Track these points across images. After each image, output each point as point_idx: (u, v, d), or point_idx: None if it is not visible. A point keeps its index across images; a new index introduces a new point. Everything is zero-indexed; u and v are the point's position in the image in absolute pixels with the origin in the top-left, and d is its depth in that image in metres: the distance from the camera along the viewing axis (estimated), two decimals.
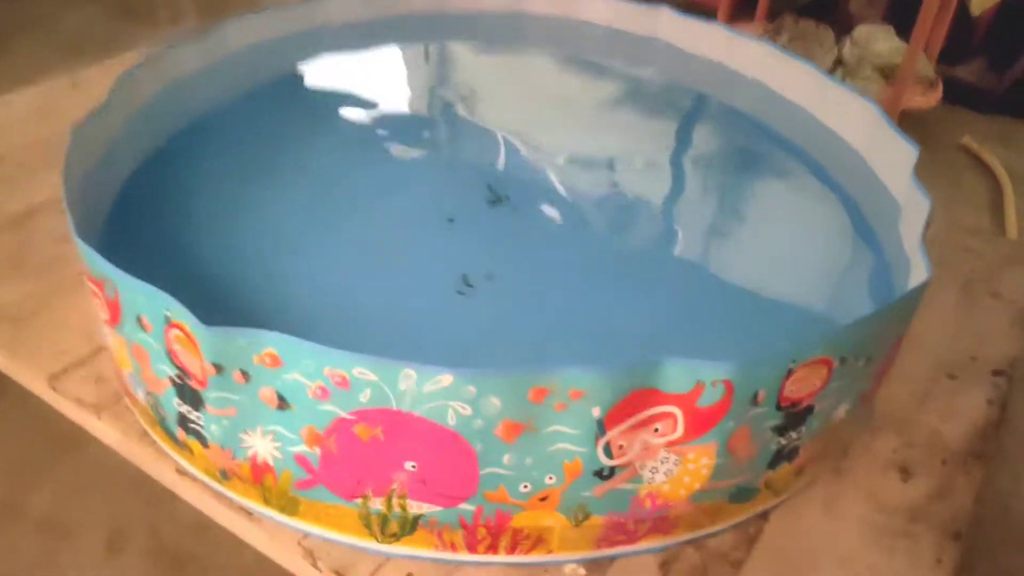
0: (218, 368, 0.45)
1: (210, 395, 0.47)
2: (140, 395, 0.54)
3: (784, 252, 0.67)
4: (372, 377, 0.42)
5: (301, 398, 0.44)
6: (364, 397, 0.43)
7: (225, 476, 0.51)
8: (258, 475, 0.49)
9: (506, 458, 0.45)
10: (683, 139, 0.81)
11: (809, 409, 0.48)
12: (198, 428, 0.50)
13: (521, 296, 0.60)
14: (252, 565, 0.88)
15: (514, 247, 0.65)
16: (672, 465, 0.47)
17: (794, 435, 0.49)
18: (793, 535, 0.53)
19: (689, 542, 0.52)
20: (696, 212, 0.72)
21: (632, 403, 0.43)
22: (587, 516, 0.49)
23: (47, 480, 0.95)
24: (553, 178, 0.73)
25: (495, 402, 0.42)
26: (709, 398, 0.43)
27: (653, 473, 0.47)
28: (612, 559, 0.52)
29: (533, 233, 0.66)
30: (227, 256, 0.61)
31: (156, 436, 0.56)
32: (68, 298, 0.67)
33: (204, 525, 0.62)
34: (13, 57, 1.69)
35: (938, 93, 1.61)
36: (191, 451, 0.52)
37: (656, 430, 0.45)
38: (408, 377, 0.41)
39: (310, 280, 0.60)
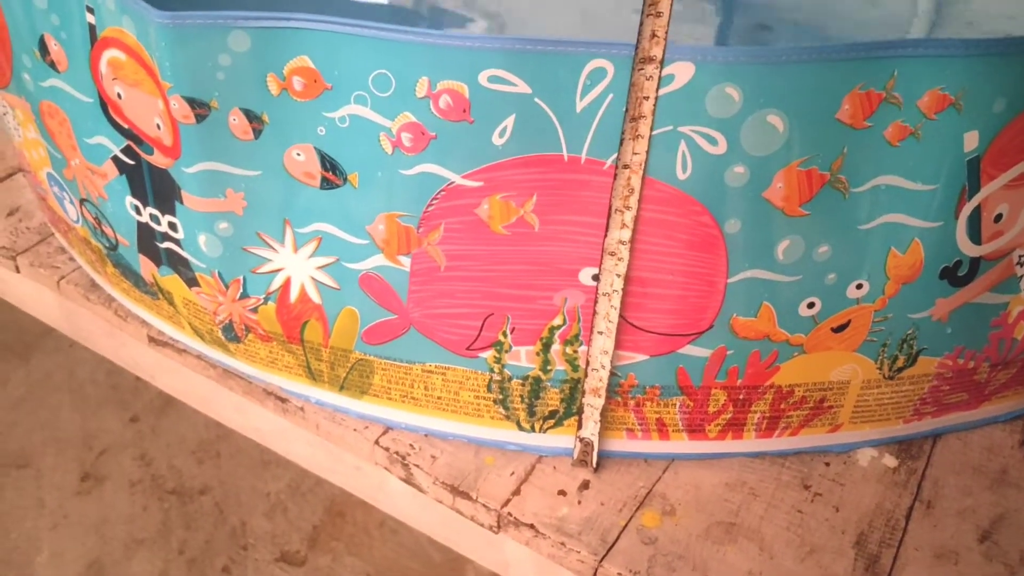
0: (198, 108, 0.31)
1: (188, 172, 0.33)
2: (70, 214, 0.40)
3: None
4: (521, 87, 0.27)
5: (369, 155, 0.31)
6: (500, 137, 0.29)
7: (232, 336, 0.38)
8: (292, 325, 0.36)
9: (782, 247, 0.31)
10: None
11: None
12: (174, 248, 0.36)
13: None
14: (284, 487, 0.74)
15: None
16: None
17: None
18: None
19: None
20: None
21: None
22: (912, 359, 0.35)
23: None
24: None
25: (774, 123, 0.28)
26: None
27: None
28: (936, 436, 0.38)
29: None
30: None
31: (107, 283, 0.43)
32: None
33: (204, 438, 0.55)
34: None
35: None
36: (168, 298, 0.39)
37: None
38: (598, 75, 0.27)
39: None
